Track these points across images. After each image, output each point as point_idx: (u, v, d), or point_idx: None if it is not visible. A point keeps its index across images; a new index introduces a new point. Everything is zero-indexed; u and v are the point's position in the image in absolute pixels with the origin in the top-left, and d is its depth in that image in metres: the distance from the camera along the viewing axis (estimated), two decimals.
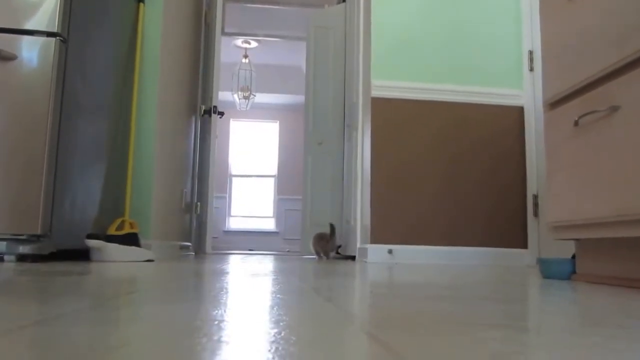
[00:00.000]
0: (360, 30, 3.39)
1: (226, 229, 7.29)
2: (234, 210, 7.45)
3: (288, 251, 4.33)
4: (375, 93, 2.83)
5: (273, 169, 7.58)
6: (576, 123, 1.47)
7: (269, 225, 7.17)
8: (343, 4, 4.29)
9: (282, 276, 1.44)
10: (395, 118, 2.83)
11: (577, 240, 1.59)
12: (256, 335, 0.48)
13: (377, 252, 2.74)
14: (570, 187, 1.52)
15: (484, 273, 1.77)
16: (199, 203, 4.10)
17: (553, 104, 1.65)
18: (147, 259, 2.25)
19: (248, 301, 0.78)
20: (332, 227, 3.49)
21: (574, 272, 1.59)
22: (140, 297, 0.81)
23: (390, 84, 2.84)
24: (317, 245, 3.43)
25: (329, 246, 3.42)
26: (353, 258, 3.38)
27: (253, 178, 7.59)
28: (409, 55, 2.90)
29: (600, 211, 1.36)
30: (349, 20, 4.06)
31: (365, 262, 2.75)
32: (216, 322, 0.55)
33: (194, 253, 3.86)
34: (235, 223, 7.36)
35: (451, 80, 2.89)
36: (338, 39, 4.23)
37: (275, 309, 0.69)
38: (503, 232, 2.84)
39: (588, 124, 1.44)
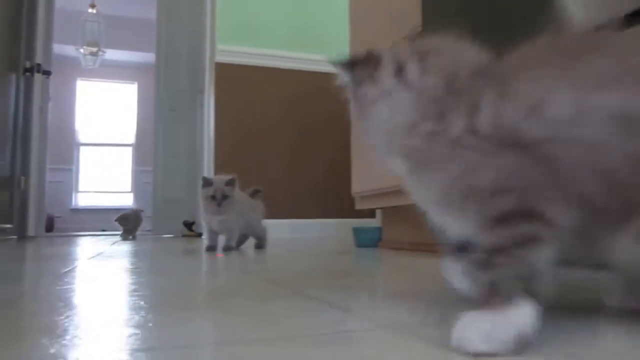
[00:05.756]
0: None
1: (73, 207, 6.37)
2: (83, 184, 6.54)
3: (149, 230, 3.86)
4: (220, 58, 2.59)
5: (131, 137, 6.78)
6: None
7: (127, 201, 6.42)
8: None
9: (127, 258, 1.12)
10: (240, 85, 2.64)
11: (382, 209, 1.69)
12: None
13: None
14: (366, 159, 1.60)
15: (312, 244, 1.81)
16: (23, 177, 3.43)
17: None
18: None
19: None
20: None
21: (380, 239, 1.70)
22: None
23: (234, 49, 2.63)
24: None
25: (132, 223, 2.99)
26: None
27: (107, 147, 6.73)
28: (253, 20, 2.71)
29: (383, 183, 1.51)
30: None
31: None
32: None
33: (15, 237, 3.23)
34: (84, 200, 6.47)
35: (295, 48, 2.78)
36: None
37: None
38: (346, 204, 2.78)
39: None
